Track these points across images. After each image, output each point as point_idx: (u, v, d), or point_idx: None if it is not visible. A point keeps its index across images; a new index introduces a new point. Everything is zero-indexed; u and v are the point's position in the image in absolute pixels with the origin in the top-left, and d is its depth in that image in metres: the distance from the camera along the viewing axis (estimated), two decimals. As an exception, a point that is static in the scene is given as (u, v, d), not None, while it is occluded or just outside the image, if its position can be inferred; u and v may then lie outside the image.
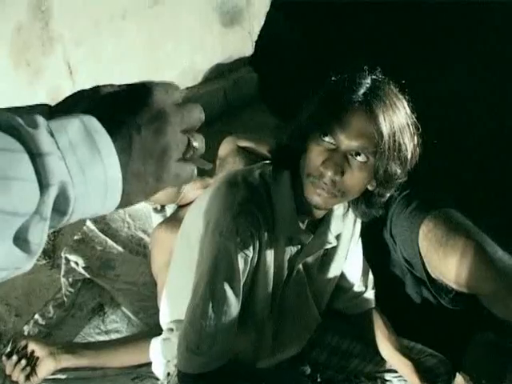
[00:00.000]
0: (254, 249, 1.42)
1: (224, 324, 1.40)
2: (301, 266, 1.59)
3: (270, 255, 1.48)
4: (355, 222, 1.69)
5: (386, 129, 1.32)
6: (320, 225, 1.56)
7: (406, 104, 1.39)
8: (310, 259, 1.61)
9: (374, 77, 1.39)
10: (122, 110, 0.60)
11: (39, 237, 0.53)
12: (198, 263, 1.44)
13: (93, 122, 0.56)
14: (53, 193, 0.52)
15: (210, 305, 1.38)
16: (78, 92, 0.66)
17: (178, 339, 1.46)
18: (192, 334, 1.41)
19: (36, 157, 0.51)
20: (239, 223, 1.38)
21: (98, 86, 0.66)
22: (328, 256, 1.67)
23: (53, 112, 0.67)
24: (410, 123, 1.38)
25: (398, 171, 1.39)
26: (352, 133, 1.31)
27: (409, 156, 1.39)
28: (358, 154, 1.33)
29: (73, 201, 0.54)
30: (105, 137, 0.56)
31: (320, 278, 1.69)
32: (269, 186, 1.47)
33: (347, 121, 1.31)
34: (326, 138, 1.33)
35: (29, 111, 0.65)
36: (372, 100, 1.32)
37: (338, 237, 1.63)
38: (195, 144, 0.65)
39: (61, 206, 0.53)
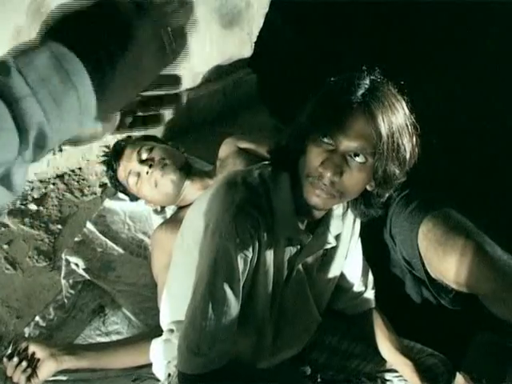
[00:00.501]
0: (253, 249, 1.42)
1: (224, 324, 1.40)
2: (300, 266, 1.59)
3: (269, 256, 1.48)
4: (354, 221, 1.69)
5: (384, 129, 1.32)
6: (319, 225, 1.57)
7: (404, 105, 1.39)
8: (309, 259, 1.61)
9: (372, 77, 1.39)
10: (89, 30, 0.60)
11: (22, 177, 0.55)
12: (198, 264, 1.45)
13: (61, 50, 0.56)
14: (32, 135, 0.53)
15: (210, 305, 1.38)
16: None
17: (178, 340, 1.46)
18: (192, 335, 1.41)
19: (12, 104, 0.52)
20: (238, 224, 1.38)
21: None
22: (328, 256, 1.67)
23: None
24: (408, 124, 1.38)
25: (397, 172, 1.39)
26: (351, 134, 1.32)
27: (408, 156, 1.39)
28: (356, 154, 1.33)
29: (50, 135, 0.55)
30: (75, 63, 0.56)
31: (320, 278, 1.69)
32: (268, 186, 1.47)
33: (346, 122, 1.32)
34: (325, 139, 1.33)
35: None
36: (371, 101, 1.32)
37: (337, 237, 1.63)
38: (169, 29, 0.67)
39: (39, 142, 0.55)
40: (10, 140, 0.52)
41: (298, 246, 1.55)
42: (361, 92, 1.34)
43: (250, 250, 1.41)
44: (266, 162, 1.57)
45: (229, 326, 1.41)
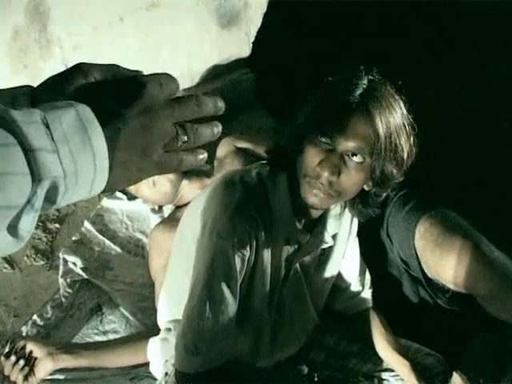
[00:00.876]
0: (251, 248, 1.42)
1: (221, 324, 1.40)
2: (298, 265, 1.60)
3: (267, 255, 1.49)
4: (352, 221, 1.70)
5: (382, 130, 1.33)
6: (316, 224, 1.57)
7: (402, 104, 1.40)
8: (307, 258, 1.61)
9: (370, 77, 1.39)
10: (115, 101, 0.63)
11: (29, 225, 0.56)
12: (195, 263, 1.45)
13: (86, 112, 0.58)
14: (45, 186, 0.55)
15: (208, 305, 1.38)
16: (61, 74, 0.69)
17: (176, 339, 1.47)
18: (190, 334, 1.41)
19: (29, 151, 0.53)
20: (236, 223, 1.39)
21: (81, 64, 0.69)
22: (325, 255, 1.68)
23: (36, 94, 0.70)
24: (406, 124, 1.39)
25: (395, 171, 1.39)
26: (349, 134, 1.32)
27: (405, 156, 1.39)
28: (354, 154, 1.33)
29: (63, 192, 0.57)
30: (97, 127, 0.58)
31: (317, 278, 1.69)
32: (266, 186, 1.48)
33: (344, 122, 1.32)
34: (323, 139, 1.34)
35: (14, 94, 0.68)
36: (369, 101, 1.33)
37: (334, 236, 1.63)
38: (184, 137, 0.67)
39: (51, 196, 0.57)
40: (22, 185, 0.53)
41: (296, 246, 1.55)
42: (359, 92, 1.34)
43: (248, 249, 1.41)
44: (264, 162, 1.57)
45: (226, 325, 1.42)
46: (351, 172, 1.35)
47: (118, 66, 0.72)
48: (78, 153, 0.57)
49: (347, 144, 1.32)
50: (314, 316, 1.74)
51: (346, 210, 1.60)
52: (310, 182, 1.36)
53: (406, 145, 1.38)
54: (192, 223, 1.51)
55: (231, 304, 1.41)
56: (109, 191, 0.65)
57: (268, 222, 1.46)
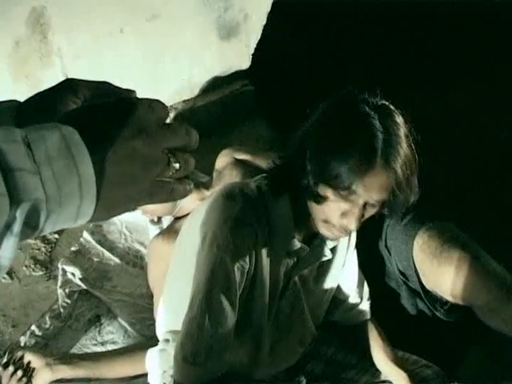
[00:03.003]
0: (250, 261, 1.43)
1: (221, 335, 1.41)
2: (297, 278, 1.60)
3: (266, 268, 1.49)
4: (350, 233, 1.70)
5: (402, 177, 1.35)
6: (315, 237, 1.57)
7: (405, 127, 1.39)
8: (305, 271, 1.61)
9: (380, 117, 1.35)
10: (104, 124, 0.59)
11: (9, 251, 0.52)
12: (195, 274, 1.45)
13: (73, 135, 0.55)
14: (24, 209, 0.51)
15: (207, 316, 1.39)
16: (49, 90, 0.66)
17: (175, 350, 1.47)
18: (189, 346, 1.41)
19: (7, 171, 0.50)
20: (236, 236, 1.39)
21: (70, 80, 0.66)
22: (324, 267, 1.68)
23: (23, 110, 0.67)
24: (414, 151, 1.40)
25: (410, 198, 1.43)
26: (374, 190, 1.34)
27: (417, 182, 1.42)
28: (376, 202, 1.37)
29: (44, 217, 0.53)
30: (83, 151, 0.55)
31: (316, 290, 1.69)
32: (266, 199, 1.48)
33: (369, 181, 1.32)
34: (344, 193, 1.34)
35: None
36: (389, 156, 1.33)
37: (333, 249, 1.63)
38: (176, 165, 0.63)
39: (32, 221, 0.53)
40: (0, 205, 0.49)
41: (295, 259, 1.55)
42: (380, 150, 1.32)
43: (247, 261, 1.41)
44: (265, 175, 1.58)
45: (225, 337, 1.42)
46: (370, 212, 1.40)
47: (109, 84, 0.69)
48: (63, 177, 0.53)
49: (371, 197, 1.35)
50: (313, 329, 1.74)
51: None
52: (331, 227, 1.41)
53: (417, 173, 1.41)
54: (192, 235, 1.51)
55: (230, 316, 1.41)
56: (97, 221, 0.61)
57: (268, 234, 1.46)
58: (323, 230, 1.43)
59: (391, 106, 1.39)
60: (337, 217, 1.37)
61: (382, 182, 1.33)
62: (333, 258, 1.66)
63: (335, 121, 1.37)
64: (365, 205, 1.36)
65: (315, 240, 1.57)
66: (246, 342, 1.58)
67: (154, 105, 0.62)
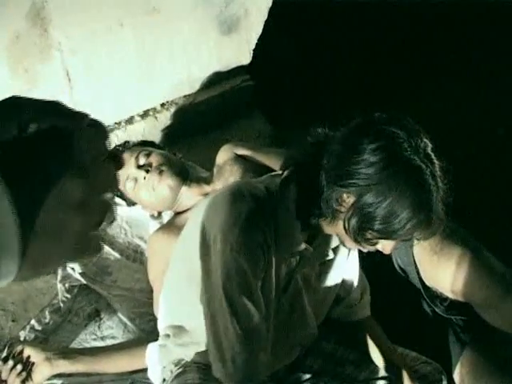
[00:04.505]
0: (264, 260, 1.43)
1: (252, 337, 1.41)
2: (299, 277, 1.60)
3: (272, 267, 1.49)
4: None
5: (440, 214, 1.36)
6: (318, 237, 1.57)
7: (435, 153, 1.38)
8: (308, 270, 1.61)
9: (434, 174, 1.33)
10: (32, 163, 0.49)
11: None
12: (206, 279, 1.44)
13: None
14: None
15: (234, 320, 1.39)
16: None
17: (215, 364, 1.46)
18: (226, 353, 1.41)
19: None
20: (248, 237, 1.40)
21: (15, 99, 0.53)
22: (326, 265, 1.67)
23: None
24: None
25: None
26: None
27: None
28: None
29: None
30: (2, 197, 0.46)
31: (319, 288, 1.69)
32: (274, 199, 1.48)
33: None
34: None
35: None
36: (436, 206, 1.33)
37: (335, 249, 1.63)
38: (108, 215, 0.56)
39: None
40: None
41: (298, 257, 1.55)
42: (433, 203, 1.32)
43: (262, 260, 1.42)
44: (273, 174, 1.58)
45: (259, 337, 1.42)
46: None
47: (58, 105, 0.56)
48: None
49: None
50: (314, 330, 1.73)
51: None
52: (361, 247, 1.44)
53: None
54: (194, 233, 1.50)
55: (257, 316, 1.41)
56: (23, 280, 0.53)
57: (274, 235, 1.46)
58: (348, 244, 1.47)
59: (429, 144, 1.36)
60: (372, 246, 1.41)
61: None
62: (335, 256, 1.66)
63: (386, 177, 1.30)
64: None
65: (318, 239, 1.57)
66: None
67: (96, 139, 0.54)
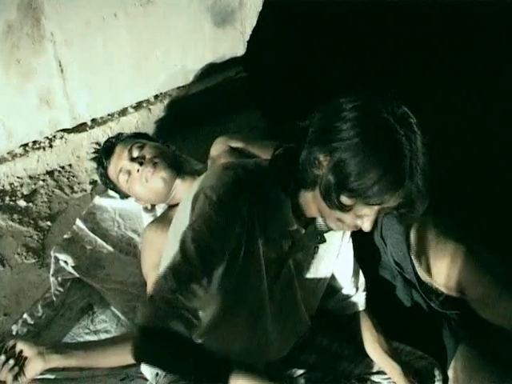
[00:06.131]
0: (240, 231, 1.42)
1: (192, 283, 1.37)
2: (291, 262, 1.59)
3: (260, 246, 1.48)
4: None
5: (422, 188, 1.34)
6: (311, 221, 1.56)
7: (422, 136, 1.36)
8: (300, 256, 1.60)
9: (410, 137, 1.32)
10: None
11: None
12: (183, 227, 1.44)
13: None
14: None
15: (178, 266, 1.37)
16: None
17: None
18: (168, 281, 1.37)
19: None
20: (230, 199, 1.40)
21: None
22: (318, 255, 1.67)
23: None
24: (429, 158, 1.39)
25: (424, 203, 1.42)
26: (392, 200, 1.34)
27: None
28: None
29: None
30: None
31: (311, 277, 1.68)
32: (263, 174, 1.49)
33: (394, 196, 1.33)
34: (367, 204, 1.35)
35: None
36: (415, 175, 1.32)
37: (328, 236, 1.63)
38: None
39: None
40: None
41: (290, 242, 1.54)
42: (408, 171, 1.31)
43: (237, 229, 1.41)
44: (265, 158, 1.58)
45: (191, 291, 1.37)
46: (383, 213, 1.42)
47: None
48: None
49: (388, 204, 1.35)
50: (305, 318, 1.73)
51: None
52: (343, 224, 1.42)
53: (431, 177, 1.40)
54: (184, 220, 1.49)
55: (198, 276, 1.37)
56: None
57: (262, 210, 1.46)
58: (332, 224, 1.43)
59: (410, 115, 1.36)
60: (352, 219, 1.38)
61: (402, 192, 1.33)
62: (328, 245, 1.65)
63: (359, 133, 1.31)
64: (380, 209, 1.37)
65: (311, 225, 1.56)
66: (243, 329, 1.58)
67: None
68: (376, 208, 1.35)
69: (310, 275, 1.68)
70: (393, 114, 1.32)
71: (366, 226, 1.38)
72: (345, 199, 1.33)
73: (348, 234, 1.74)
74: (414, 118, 1.36)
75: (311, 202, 1.44)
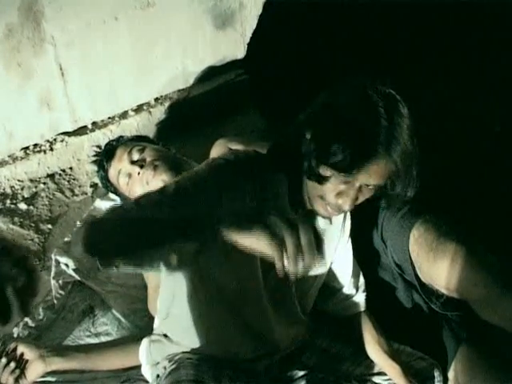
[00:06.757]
0: (232, 199, 1.42)
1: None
2: None
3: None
4: (344, 221, 1.72)
5: (401, 166, 1.37)
6: (308, 215, 1.57)
7: (409, 119, 1.39)
8: None
9: (386, 105, 1.36)
10: None
11: None
12: None
13: None
14: None
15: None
16: None
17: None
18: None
19: None
20: (232, 170, 1.43)
21: None
22: None
23: None
24: (415, 144, 1.40)
25: (407, 190, 1.46)
26: (372, 176, 1.36)
27: (416, 175, 1.43)
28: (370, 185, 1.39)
29: None
30: None
31: (306, 275, 1.68)
32: (263, 162, 1.51)
33: (369, 167, 1.34)
34: (344, 174, 1.36)
35: None
36: (392, 147, 1.34)
37: (325, 231, 1.63)
38: None
39: None
40: None
41: None
42: (383, 138, 1.33)
43: (236, 193, 1.43)
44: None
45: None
46: (365, 195, 1.42)
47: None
48: None
49: (367, 181, 1.37)
50: (299, 313, 1.72)
51: None
52: (326, 204, 1.43)
53: (416, 166, 1.42)
54: None
55: (164, 213, 1.32)
56: None
57: (260, 191, 1.47)
58: (318, 206, 1.44)
59: (398, 96, 1.40)
60: (333, 196, 1.39)
61: (380, 168, 1.35)
62: (326, 242, 1.66)
63: (341, 104, 1.38)
64: (360, 187, 1.38)
65: (308, 219, 1.57)
66: (242, 316, 1.59)
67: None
68: (355, 185, 1.36)
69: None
70: (377, 92, 1.36)
71: (346, 204, 1.39)
72: (322, 170, 1.37)
73: (346, 233, 1.74)
74: (406, 106, 1.40)
75: (304, 188, 1.47)
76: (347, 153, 1.32)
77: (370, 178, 1.36)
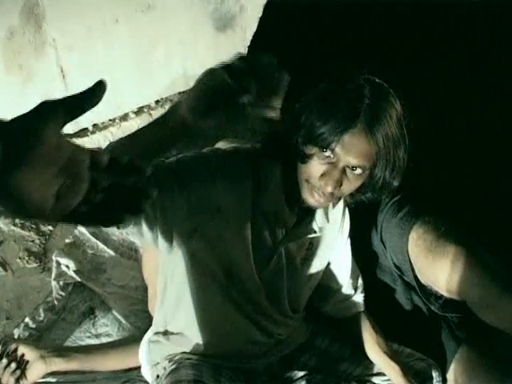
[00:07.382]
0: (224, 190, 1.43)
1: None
2: (283, 252, 1.59)
3: (247, 223, 1.49)
4: (343, 219, 1.72)
5: (383, 146, 1.37)
6: (308, 214, 1.59)
7: (400, 111, 1.41)
8: (293, 247, 1.61)
9: (372, 89, 1.39)
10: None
11: None
12: None
13: None
14: None
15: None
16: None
17: None
18: None
19: None
20: (227, 159, 1.46)
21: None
22: (312, 250, 1.67)
23: None
24: (404, 132, 1.42)
25: (393, 179, 1.45)
26: (352, 152, 1.36)
27: (402, 165, 1.43)
28: (355, 167, 1.38)
29: None
30: None
31: (302, 272, 1.68)
32: (258, 155, 1.52)
33: (348, 142, 1.35)
34: (326, 153, 1.37)
35: None
36: (373, 123, 1.35)
37: (321, 230, 1.64)
38: None
39: None
40: None
41: (284, 230, 1.55)
42: (363, 112, 1.35)
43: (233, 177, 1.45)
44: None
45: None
46: (351, 181, 1.41)
47: None
48: None
49: (350, 161, 1.36)
50: (287, 310, 1.71)
51: (337, 206, 1.65)
52: (312, 189, 1.42)
53: (403, 154, 1.42)
54: None
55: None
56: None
57: (255, 186, 1.48)
58: (306, 193, 1.44)
59: (388, 88, 1.42)
60: (317, 177, 1.39)
61: (360, 145, 1.36)
62: (322, 240, 1.66)
63: (330, 89, 1.41)
64: (344, 170, 1.38)
65: (306, 217, 1.59)
66: (235, 308, 1.58)
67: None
68: (338, 165, 1.37)
69: (301, 270, 1.68)
70: (366, 79, 1.40)
71: (329, 185, 1.38)
72: (307, 149, 1.39)
73: (345, 233, 1.75)
74: (400, 101, 1.42)
75: (298, 180, 1.47)
76: (327, 127, 1.35)
77: (350, 155, 1.36)
